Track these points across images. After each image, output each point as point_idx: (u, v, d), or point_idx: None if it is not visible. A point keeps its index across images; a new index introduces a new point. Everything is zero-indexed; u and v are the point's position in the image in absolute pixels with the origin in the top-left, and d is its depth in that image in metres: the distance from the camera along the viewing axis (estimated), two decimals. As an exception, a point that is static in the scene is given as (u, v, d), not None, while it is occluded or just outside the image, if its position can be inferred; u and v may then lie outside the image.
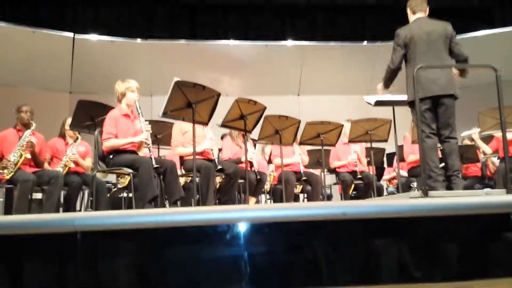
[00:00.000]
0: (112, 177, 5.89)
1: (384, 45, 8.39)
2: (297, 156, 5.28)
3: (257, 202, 5.10)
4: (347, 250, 2.26)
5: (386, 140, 5.15)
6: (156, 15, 8.49)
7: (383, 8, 8.73)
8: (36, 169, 4.24)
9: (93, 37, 7.83)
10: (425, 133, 3.43)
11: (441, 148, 3.61)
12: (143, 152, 4.13)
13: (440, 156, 3.62)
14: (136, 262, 2.22)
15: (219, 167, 4.17)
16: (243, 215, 2.25)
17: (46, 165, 4.51)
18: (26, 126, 4.31)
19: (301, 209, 2.35)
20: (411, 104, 3.57)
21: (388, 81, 3.76)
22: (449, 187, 3.38)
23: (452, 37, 3.60)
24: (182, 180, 4.60)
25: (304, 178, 5.16)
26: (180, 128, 4.37)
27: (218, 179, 4.76)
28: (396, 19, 8.99)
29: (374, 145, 5.27)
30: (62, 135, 4.73)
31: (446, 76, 3.50)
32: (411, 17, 3.78)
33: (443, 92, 3.47)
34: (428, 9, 3.74)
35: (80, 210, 4.83)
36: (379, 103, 4.32)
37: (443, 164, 3.56)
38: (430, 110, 3.49)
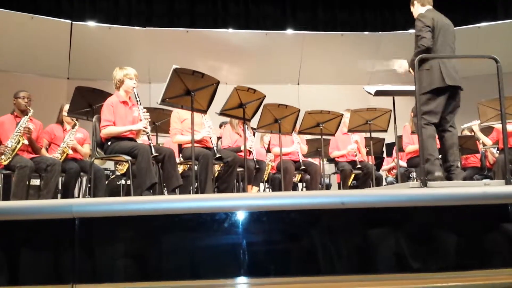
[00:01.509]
0: (110, 164, 5.88)
1: (385, 35, 8.35)
2: (296, 145, 5.27)
3: (258, 191, 5.10)
4: (345, 239, 2.26)
5: (385, 130, 5.14)
6: (155, 5, 8.40)
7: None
8: (34, 155, 4.22)
9: (91, 23, 7.77)
10: (426, 120, 3.42)
11: (440, 138, 3.60)
12: (142, 139, 4.11)
13: (439, 146, 3.61)
14: (133, 249, 2.21)
15: (218, 155, 4.16)
16: (241, 203, 2.24)
17: (43, 151, 4.49)
18: (24, 112, 4.29)
19: (299, 197, 2.35)
20: (433, 91, 3.51)
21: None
22: (448, 178, 3.38)
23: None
24: (180, 168, 4.59)
25: (303, 167, 5.16)
26: (179, 116, 4.35)
27: (216, 167, 4.75)
28: (398, 9, 8.97)
29: (374, 135, 5.26)
30: (60, 121, 4.71)
31: (456, 67, 3.56)
32: (420, 8, 3.70)
33: (460, 83, 3.53)
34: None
35: (78, 197, 4.82)
36: (379, 93, 4.30)
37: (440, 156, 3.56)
38: (445, 100, 3.50)
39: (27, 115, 4.25)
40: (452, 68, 3.50)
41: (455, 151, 3.49)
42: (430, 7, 3.70)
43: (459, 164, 3.48)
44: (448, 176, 3.40)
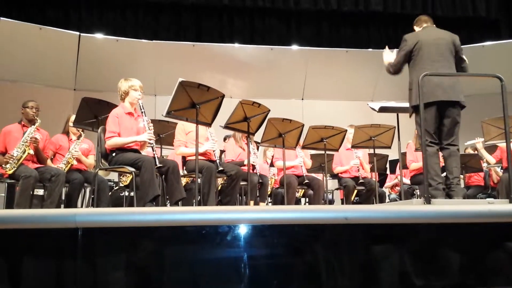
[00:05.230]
0: (114, 175, 5.90)
1: (389, 52, 8.38)
2: (299, 159, 5.27)
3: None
4: (348, 255, 2.25)
5: (389, 147, 5.13)
6: (162, 18, 8.51)
7: (389, 15, 8.74)
8: (39, 165, 4.24)
9: (99, 35, 7.87)
10: (427, 141, 3.39)
11: (442, 155, 3.58)
12: (146, 151, 4.13)
13: (442, 164, 3.60)
14: (135, 260, 2.21)
15: (220, 168, 4.17)
16: (244, 216, 2.24)
17: (49, 162, 4.51)
18: (31, 122, 4.32)
19: (303, 212, 2.34)
20: (414, 108, 3.53)
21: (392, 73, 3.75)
22: (448, 195, 3.35)
23: (459, 50, 3.60)
24: (183, 181, 4.60)
25: (306, 181, 5.14)
26: (183, 128, 4.37)
27: (220, 181, 4.75)
28: (402, 26, 9.03)
29: (377, 151, 5.25)
30: (66, 132, 4.74)
31: (451, 82, 3.46)
32: (417, 29, 3.77)
33: (448, 98, 3.41)
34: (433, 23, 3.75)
35: (81, 208, 4.82)
36: (383, 109, 4.32)
37: (445, 173, 3.53)
38: (434, 117, 3.45)
39: (34, 124, 4.28)
40: (437, 84, 3.40)
41: (454, 167, 3.42)
42: (428, 24, 3.70)
43: (460, 182, 3.43)
44: (448, 193, 3.37)
